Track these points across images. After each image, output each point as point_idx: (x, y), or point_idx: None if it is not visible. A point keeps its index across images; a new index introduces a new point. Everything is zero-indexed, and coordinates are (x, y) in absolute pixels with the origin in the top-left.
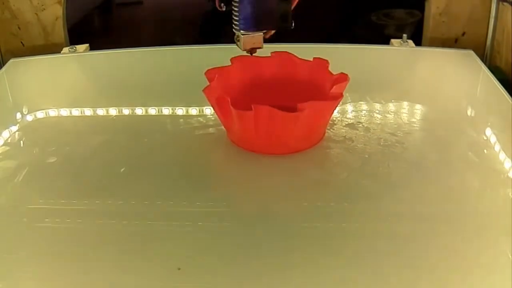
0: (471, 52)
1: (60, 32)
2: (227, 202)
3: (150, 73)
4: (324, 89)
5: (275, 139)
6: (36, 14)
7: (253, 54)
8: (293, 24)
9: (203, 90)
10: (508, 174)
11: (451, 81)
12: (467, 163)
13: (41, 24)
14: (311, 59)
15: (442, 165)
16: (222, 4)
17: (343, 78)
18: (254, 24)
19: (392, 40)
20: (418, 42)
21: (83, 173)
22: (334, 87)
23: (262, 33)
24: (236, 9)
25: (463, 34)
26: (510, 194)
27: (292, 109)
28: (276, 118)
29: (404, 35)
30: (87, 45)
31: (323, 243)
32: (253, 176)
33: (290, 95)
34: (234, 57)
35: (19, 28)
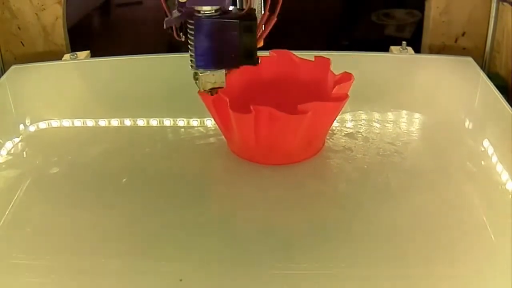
0: (470, 59)
1: (60, 32)
2: (228, 213)
3: (151, 81)
4: (326, 89)
5: (276, 144)
6: (36, 14)
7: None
8: (259, 60)
9: (198, 92)
10: (506, 185)
11: (450, 89)
12: (465, 174)
13: (41, 24)
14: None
15: (440, 175)
16: (181, 34)
17: (346, 77)
18: (213, 62)
19: (392, 47)
20: (418, 42)
21: (85, 184)
22: (337, 87)
23: (224, 70)
24: (191, 43)
25: (463, 34)
26: (508, 205)
27: (292, 112)
28: (278, 121)
29: (404, 42)
30: (88, 52)
31: (323, 255)
32: (252, 187)
33: (290, 96)
34: None
35: (19, 28)
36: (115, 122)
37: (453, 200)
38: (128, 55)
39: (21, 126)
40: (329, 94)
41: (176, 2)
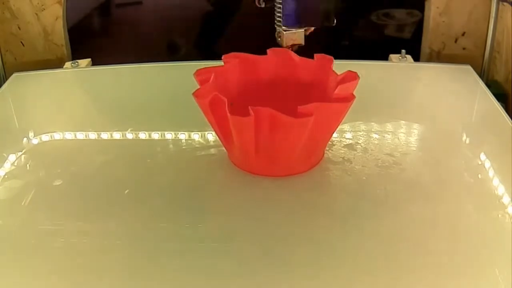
0: (469, 68)
1: (60, 32)
2: (227, 226)
3: (152, 91)
4: (328, 90)
5: (277, 152)
6: (36, 14)
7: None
8: (335, 22)
9: (193, 94)
10: (502, 199)
11: (449, 99)
12: (463, 187)
13: (41, 24)
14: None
15: (437, 188)
16: (261, 1)
17: (351, 77)
18: (297, 21)
19: (391, 56)
20: (418, 42)
21: (88, 195)
22: (340, 87)
23: (303, 30)
24: (279, 5)
25: (463, 34)
26: (503, 217)
27: (292, 115)
28: (280, 124)
29: (403, 50)
30: (89, 60)
31: (322, 267)
32: (252, 200)
33: (290, 98)
34: (226, 55)
35: (19, 28)
36: (117, 135)
37: (449, 213)
38: (128, 55)
39: (24, 139)
40: (331, 95)
41: None
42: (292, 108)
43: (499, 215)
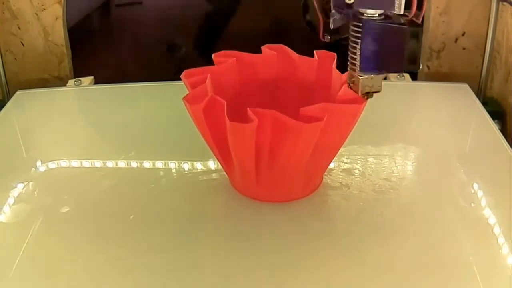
0: (466, 86)
1: (60, 32)
2: (226, 253)
3: (156, 112)
4: (333, 92)
5: (279, 169)
6: (36, 14)
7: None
8: (421, 66)
9: (183, 98)
10: (493, 229)
11: (446, 121)
12: (457, 214)
13: (41, 24)
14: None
15: (432, 214)
16: (326, 34)
17: None
18: (377, 66)
19: (389, 75)
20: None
21: (95, 221)
22: (345, 86)
23: (382, 75)
24: (355, 45)
25: (463, 34)
26: (496, 247)
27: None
28: (285, 130)
29: None
30: (92, 78)
31: None
32: (251, 226)
33: (291, 101)
34: (217, 53)
35: (19, 28)
36: (122, 164)
37: (442, 241)
38: (128, 55)
39: (32, 168)
40: (335, 97)
41: (333, 3)
42: (294, 112)
43: (492, 244)
